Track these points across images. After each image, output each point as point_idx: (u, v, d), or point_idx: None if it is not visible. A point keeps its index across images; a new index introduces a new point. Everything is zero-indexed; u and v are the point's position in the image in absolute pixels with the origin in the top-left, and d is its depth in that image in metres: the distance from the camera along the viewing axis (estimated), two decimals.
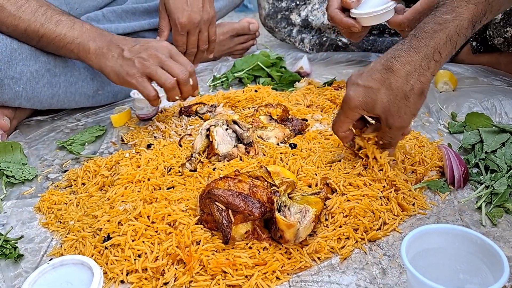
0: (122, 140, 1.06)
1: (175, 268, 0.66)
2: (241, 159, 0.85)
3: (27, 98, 1.10)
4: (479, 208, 0.77)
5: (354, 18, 1.03)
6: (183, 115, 1.09)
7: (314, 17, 1.49)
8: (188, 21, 1.16)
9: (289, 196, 0.72)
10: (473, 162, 0.87)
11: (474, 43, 1.30)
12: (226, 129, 0.90)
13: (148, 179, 0.82)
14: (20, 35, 1.04)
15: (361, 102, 0.72)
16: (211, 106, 1.09)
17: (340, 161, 0.83)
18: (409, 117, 0.72)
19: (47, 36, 1.02)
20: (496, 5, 0.67)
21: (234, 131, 0.90)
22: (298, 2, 1.50)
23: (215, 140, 0.87)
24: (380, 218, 0.73)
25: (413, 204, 0.76)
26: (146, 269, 0.65)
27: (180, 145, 0.94)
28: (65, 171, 0.96)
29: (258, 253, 0.67)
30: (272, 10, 1.55)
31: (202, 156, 0.87)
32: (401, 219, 0.74)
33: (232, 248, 0.67)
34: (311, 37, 1.51)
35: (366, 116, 0.79)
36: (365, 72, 0.73)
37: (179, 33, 1.18)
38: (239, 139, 0.89)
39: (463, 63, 1.33)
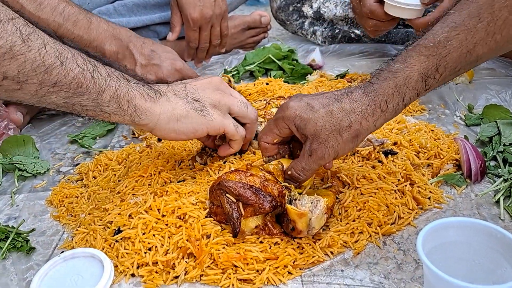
0: (133, 134, 1.06)
1: (186, 261, 0.65)
2: (253, 153, 0.84)
3: None
4: (497, 202, 0.75)
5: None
6: None
7: (326, 9, 1.46)
8: (200, 16, 1.15)
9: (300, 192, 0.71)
10: (490, 155, 0.85)
11: None
12: None
13: (159, 173, 0.82)
14: None
15: (296, 115, 0.67)
16: None
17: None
18: (333, 152, 0.66)
19: (65, 37, 1.02)
20: (452, 63, 0.62)
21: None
22: None
23: None
24: (394, 212, 0.71)
25: (429, 198, 0.74)
26: (157, 263, 0.65)
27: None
28: (77, 164, 0.96)
29: (270, 248, 0.66)
30: (283, 3, 1.52)
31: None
32: (416, 213, 0.72)
33: (243, 242, 0.66)
34: (323, 29, 1.49)
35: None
36: (315, 94, 0.70)
37: (191, 29, 1.16)
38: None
39: None
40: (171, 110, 0.70)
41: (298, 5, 1.50)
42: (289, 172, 0.70)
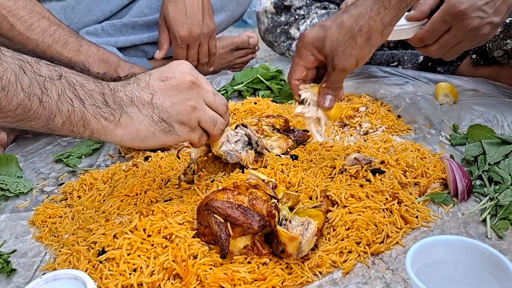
0: (120, 153, 1.05)
1: (171, 283, 0.63)
2: (242, 171, 0.82)
3: None
4: (484, 220, 0.75)
5: None
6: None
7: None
8: (188, 34, 1.16)
9: (290, 209, 0.70)
10: (476, 174, 0.86)
11: (474, 56, 1.30)
12: (236, 128, 0.86)
13: (145, 192, 0.81)
14: None
15: (313, 38, 0.74)
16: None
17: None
18: (354, 60, 0.73)
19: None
20: None
21: (247, 135, 0.86)
22: (297, 17, 1.51)
23: (221, 139, 0.81)
24: (383, 231, 0.71)
25: (417, 217, 0.74)
26: (142, 284, 0.63)
27: (178, 157, 0.93)
28: (61, 184, 0.94)
29: (258, 268, 0.64)
30: (271, 25, 1.55)
31: (199, 166, 0.85)
32: (404, 232, 0.72)
33: (231, 263, 0.65)
34: None
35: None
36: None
37: (179, 46, 1.17)
38: (248, 145, 0.86)
39: (463, 76, 1.32)
40: (134, 132, 0.64)
41: (286, 27, 1.53)
42: (323, 85, 0.77)
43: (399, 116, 1.11)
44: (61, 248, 0.73)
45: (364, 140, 0.98)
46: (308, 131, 1.00)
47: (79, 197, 0.87)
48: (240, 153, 0.83)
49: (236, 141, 0.84)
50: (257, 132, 0.92)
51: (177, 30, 1.15)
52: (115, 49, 1.27)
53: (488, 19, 0.92)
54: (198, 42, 1.19)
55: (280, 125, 0.97)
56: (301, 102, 0.82)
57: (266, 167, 0.85)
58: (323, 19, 1.46)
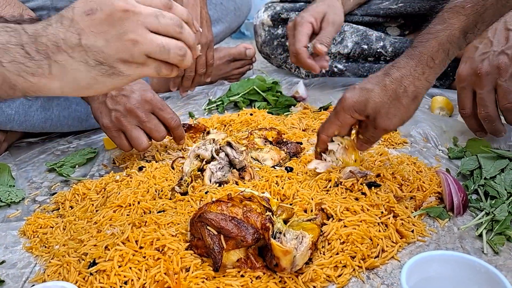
0: (114, 163, 1.04)
1: None
2: (236, 183, 0.83)
3: (19, 122, 1.08)
4: (480, 235, 0.74)
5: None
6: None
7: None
8: None
9: (284, 222, 0.69)
10: (472, 188, 0.85)
11: None
12: (218, 153, 0.88)
13: (138, 202, 0.80)
14: None
15: (355, 102, 0.75)
16: (205, 132, 1.07)
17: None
18: (398, 120, 0.75)
19: None
20: (487, 17, 0.72)
21: (226, 155, 0.88)
22: None
23: (206, 175, 0.85)
24: (378, 245, 0.70)
25: (412, 231, 0.74)
26: None
27: (173, 168, 0.92)
28: (54, 193, 0.93)
29: (251, 282, 0.63)
30: (268, 37, 1.56)
31: (192, 178, 0.85)
32: (399, 246, 0.71)
33: (224, 276, 0.64)
34: None
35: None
36: (365, 79, 0.77)
37: None
38: (231, 164, 0.87)
39: None
40: (73, 81, 0.55)
41: (282, 40, 1.54)
42: (360, 137, 0.80)
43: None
44: (51, 259, 0.71)
45: (360, 153, 0.98)
46: (301, 143, 1.00)
47: (72, 207, 0.86)
48: (226, 176, 0.85)
49: (220, 168, 0.85)
50: (246, 146, 0.93)
51: None
52: None
53: (494, 52, 0.92)
54: None
55: (272, 137, 0.97)
56: (319, 155, 0.85)
57: (254, 178, 0.85)
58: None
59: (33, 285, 0.66)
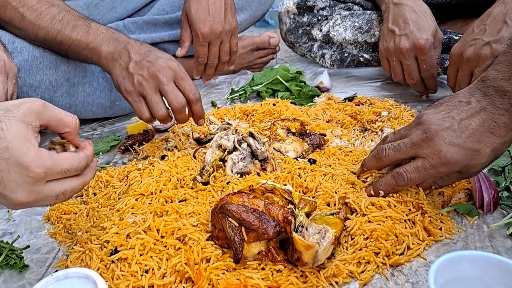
0: (135, 151, 1.04)
1: (183, 286, 0.62)
2: (258, 175, 0.82)
3: None
4: (511, 234, 0.71)
5: None
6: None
7: (335, 32, 1.46)
8: (209, 31, 1.14)
9: (307, 216, 0.68)
10: (503, 185, 0.82)
11: None
12: (240, 143, 0.87)
13: (160, 191, 0.80)
14: (41, 42, 1.04)
15: (465, 165, 0.68)
16: (226, 123, 1.06)
17: None
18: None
19: (64, 42, 1.01)
20: None
21: (249, 145, 0.86)
22: (319, 17, 1.48)
23: (228, 165, 0.84)
24: (403, 242, 0.68)
25: (440, 229, 0.71)
26: (153, 286, 0.62)
27: (195, 157, 0.92)
28: None
29: (272, 275, 0.63)
30: (293, 25, 1.53)
31: (214, 168, 0.84)
32: (426, 244, 0.69)
33: (244, 268, 0.63)
34: (332, 53, 1.49)
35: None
36: (455, 126, 0.67)
37: (201, 44, 1.16)
38: (253, 155, 0.86)
39: None
40: None
41: (308, 28, 1.50)
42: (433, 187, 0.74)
43: None
44: (74, 245, 0.72)
45: None
46: (325, 135, 0.98)
47: (95, 194, 0.87)
48: (248, 167, 0.83)
49: (242, 158, 0.84)
50: (269, 137, 0.91)
51: (199, 27, 1.14)
52: None
53: (482, 41, 0.97)
54: (219, 39, 1.17)
55: (295, 129, 0.95)
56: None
57: (276, 169, 0.83)
58: (346, 21, 1.43)
59: (56, 270, 0.67)
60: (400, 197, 0.72)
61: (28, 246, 0.75)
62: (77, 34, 1.00)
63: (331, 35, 1.46)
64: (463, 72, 1.02)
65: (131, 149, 1.04)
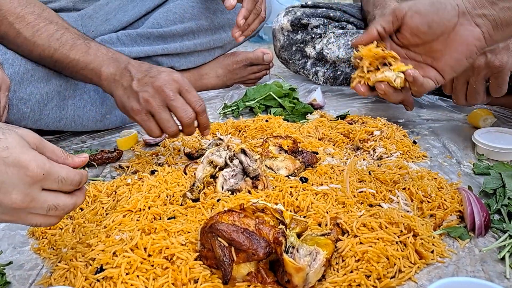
0: (122, 168, 1.03)
1: None
2: (249, 192, 0.81)
3: (33, 120, 1.08)
4: (502, 259, 0.71)
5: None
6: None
7: (329, 50, 1.47)
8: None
9: (298, 236, 0.67)
10: (494, 208, 0.82)
11: None
12: (232, 160, 0.86)
13: (149, 208, 0.78)
14: (36, 59, 1.03)
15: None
16: (218, 139, 1.05)
17: None
18: None
19: (60, 61, 1.00)
20: None
21: (240, 162, 0.86)
22: (313, 35, 1.49)
23: (219, 182, 0.83)
24: (395, 265, 0.67)
25: (432, 252, 0.70)
26: None
27: (185, 173, 0.90)
28: None
29: None
30: (287, 42, 1.54)
31: (204, 185, 0.83)
32: (418, 267, 0.68)
33: None
34: (325, 70, 1.49)
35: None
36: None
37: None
38: (244, 172, 0.85)
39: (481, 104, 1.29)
40: None
41: (302, 45, 1.51)
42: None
43: (414, 142, 1.07)
44: (59, 262, 0.70)
45: (378, 165, 0.95)
46: (317, 153, 0.97)
47: (82, 209, 0.85)
48: (239, 184, 0.82)
49: (233, 175, 0.83)
50: (261, 154, 0.90)
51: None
52: None
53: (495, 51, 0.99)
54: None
55: (288, 146, 0.94)
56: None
57: (268, 187, 0.82)
58: (340, 39, 1.44)
59: None
60: (391, 218, 0.71)
61: (11, 262, 0.72)
62: (75, 53, 0.98)
63: (324, 53, 1.47)
64: (459, 81, 1.06)
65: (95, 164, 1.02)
